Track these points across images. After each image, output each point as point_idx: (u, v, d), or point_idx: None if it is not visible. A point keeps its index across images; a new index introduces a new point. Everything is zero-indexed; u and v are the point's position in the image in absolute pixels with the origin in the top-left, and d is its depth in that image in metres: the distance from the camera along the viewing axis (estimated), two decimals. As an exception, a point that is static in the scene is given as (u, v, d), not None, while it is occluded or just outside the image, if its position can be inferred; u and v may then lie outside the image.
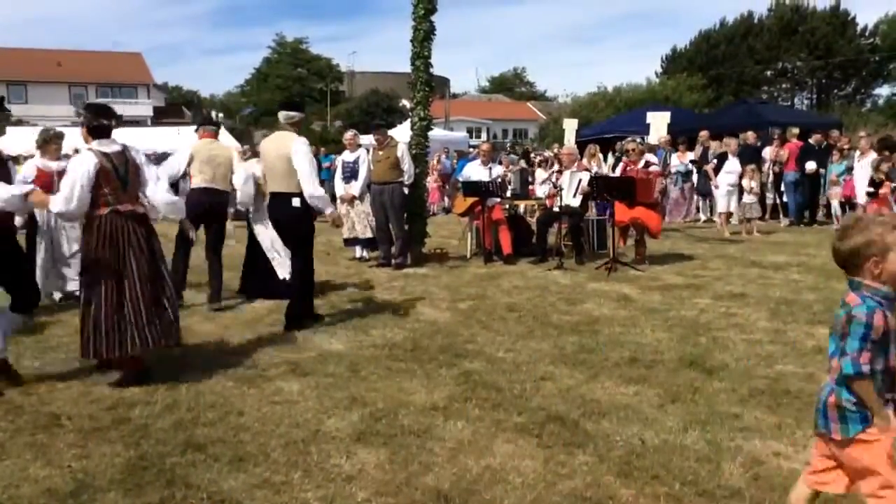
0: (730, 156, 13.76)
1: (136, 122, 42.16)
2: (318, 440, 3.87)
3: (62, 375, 5.04)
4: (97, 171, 4.77)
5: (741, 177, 13.21)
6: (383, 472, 3.47)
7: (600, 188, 9.37)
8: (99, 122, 5.01)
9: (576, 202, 9.61)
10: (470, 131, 49.97)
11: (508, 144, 39.79)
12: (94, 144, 4.92)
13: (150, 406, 4.39)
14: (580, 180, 9.59)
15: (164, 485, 3.35)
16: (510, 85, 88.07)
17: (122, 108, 52.69)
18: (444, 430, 3.95)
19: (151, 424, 4.10)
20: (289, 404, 4.43)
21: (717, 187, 13.90)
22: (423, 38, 9.57)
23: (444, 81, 47.93)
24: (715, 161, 14.26)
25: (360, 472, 3.47)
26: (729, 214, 13.45)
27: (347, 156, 10.32)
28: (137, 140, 24.45)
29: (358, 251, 10.43)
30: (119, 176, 4.89)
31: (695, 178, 15.89)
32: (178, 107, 62.34)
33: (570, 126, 21.14)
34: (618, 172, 10.21)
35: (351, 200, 10.10)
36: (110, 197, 4.83)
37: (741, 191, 13.25)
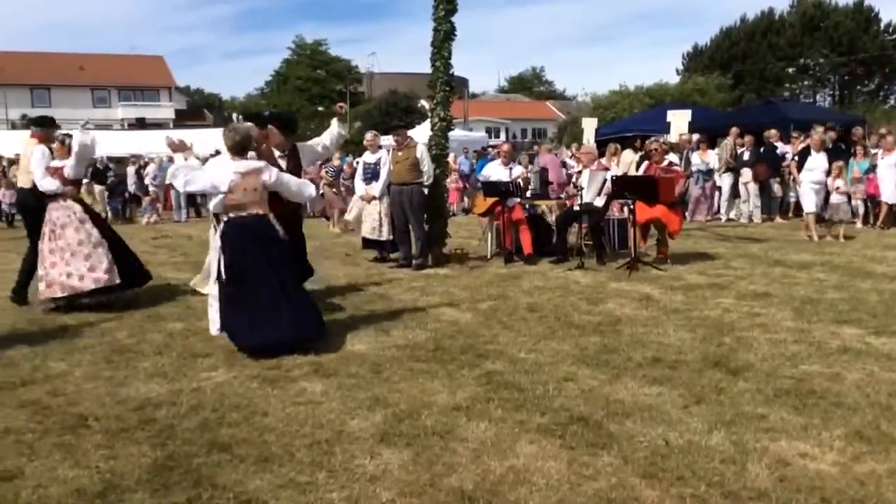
0: (813, 151, 12.50)
1: (158, 125, 42.54)
2: (342, 440, 3.88)
3: (88, 376, 5.10)
4: None
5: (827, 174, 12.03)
6: (407, 472, 3.48)
7: (622, 188, 9.32)
8: None
9: (600, 202, 9.57)
10: (489, 131, 50.02)
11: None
12: None
13: (175, 407, 4.43)
14: (605, 180, 9.55)
15: (191, 485, 3.38)
16: (529, 84, 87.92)
17: (145, 110, 53.48)
18: (467, 431, 3.95)
19: (177, 425, 4.14)
20: (312, 405, 4.45)
21: (798, 185, 13.02)
22: (444, 38, 9.57)
23: (463, 81, 47.93)
24: (796, 158, 13.79)
25: (384, 472, 3.48)
26: (817, 216, 11.98)
27: (368, 157, 10.35)
28: (160, 143, 24.72)
29: (378, 252, 10.46)
30: None
31: (717, 176, 15.80)
32: (199, 109, 62.81)
33: (590, 125, 21.09)
34: (641, 171, 10.16)
35: (370, 201, 10.14)
36: None
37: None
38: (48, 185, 7.44)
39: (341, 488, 3.33)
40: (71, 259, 7.29)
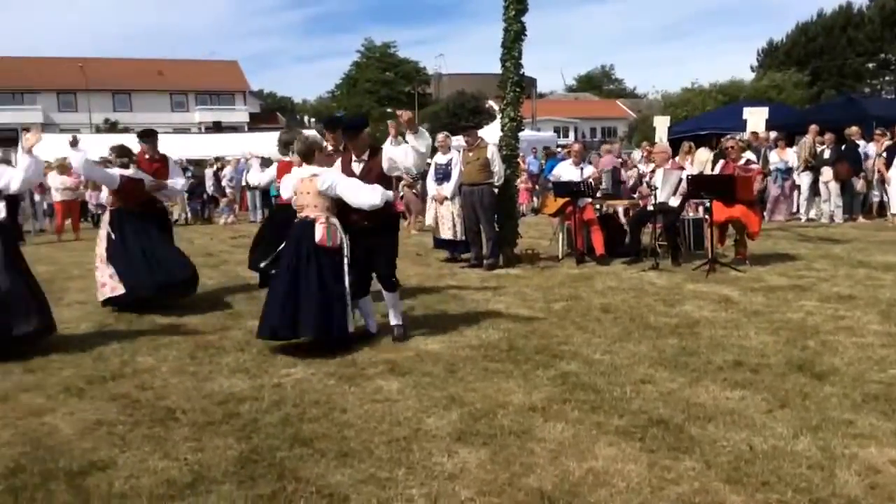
0: None
1: (233, 129, 43.62)
2: (420, 438, 3.92)
3: (174, 371, 5.28)
4: None
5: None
6: (485, 471, 3.49)
7: (698, 187, 9.14)
8: None
9: (675, 201, 9.41)
10: (557, 130, 49.68)
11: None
12: None
13: (258, 402, 4.55)
14: (680, 179, 9.39)
15: (276, 478, 3.46)
16: (598, 83, 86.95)
17: (221, 114, 54.90)
18: (544, 432, 3.95)
19: (260, 419, 4.25)
20: (389, 402, 4.51)
21: (888, 183, 12.47)
22: (514, 38, 9.55)
23: (531, 81, 47.69)
24: (883, 155, 13.24)
25: (462, 470, 3.51)
26: None
27: (440, 158, 10.41)
28: (235, 145, 25.38)
29: (449, 253, 10.51)
30: None
31: (796, 175, 15.34)
32: (272, 113, 64.14)
33: (662, 123, 20.74)
34: (717, 170, 9.95)
35: (442, 201, 10.20)
36: None
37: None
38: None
39: (420, 485, 3.37)
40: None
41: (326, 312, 5.64)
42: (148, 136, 8.25)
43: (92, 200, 18.91)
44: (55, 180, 15.99)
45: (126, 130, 32.14)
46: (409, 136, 5.87)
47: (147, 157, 8.07)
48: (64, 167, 15.75)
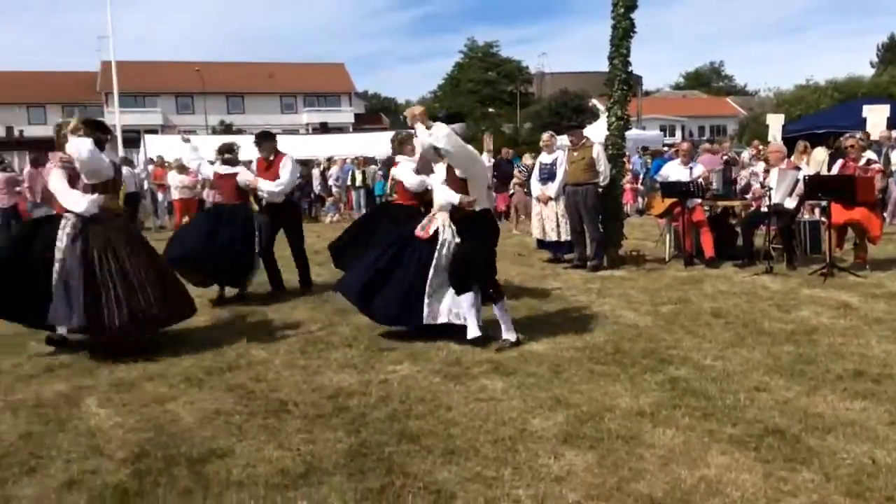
0: None
1: (339, 129, 44.62)
2: (525, 439, 3.92)
3: (286, 365, 5.47)
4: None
5: None
6: (592, 475, 3.46)
7: (816, 188, 8.74)
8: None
9: (790, 203, 9.03)
10: (663, 129, 48.45)
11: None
12: None
13: (365, 397, 4.65)
14: (796, 180, 9.01)
15: (384, 472, 3.54)
16: (707, 80, 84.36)
17: (327, 115, 56.32)
18: (654, 437, 3.87)
19: (368, 414, 4.35)
20: (494, 402, 4.52)
21: None
22: (623, 35, 9.39)
23: (637, 79, 46.74)
24: None
25: (569, 473, 3.48)
26: None
27: (545, 157, 10.35)
28: (341, 146, 26.00)
29: (552, 253, 10.44)
30: None
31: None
32: (377, 113, 65.30)
33: (775, 121, 19.93)
34: (835, 170, 9.49)
35: (546, 202, 10.14)
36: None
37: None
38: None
39: (527, 486, 3.36)
40: None
41: (406, 301, 6.00)
42: (258, 138, 8.58)
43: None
44: (174, 179, 16.75)
45: (239, 132, 33.38)
46: (420, 130, 5.77)
47: (261, 158, 8.40)
48: (182, 167, 16.48)
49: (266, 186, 8.09)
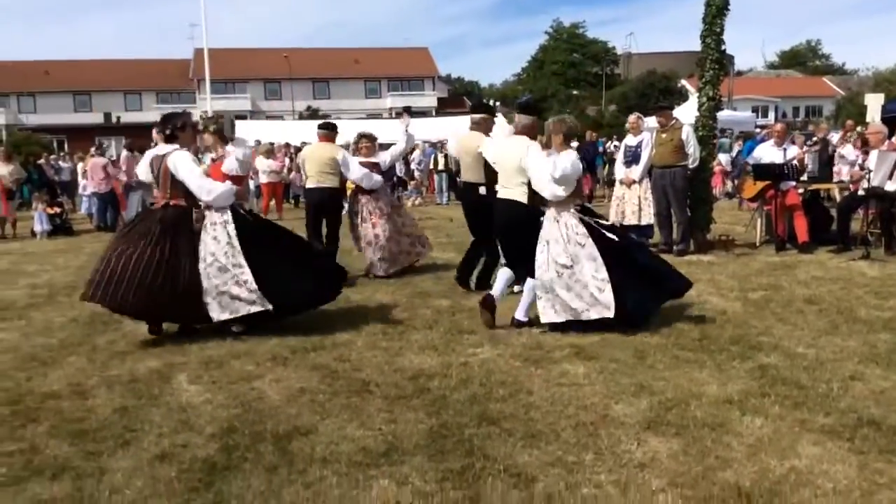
0: None
1: (422, 113, 44.79)
2: (607, 424, 3.87)
3: (368, 346, 5.54)
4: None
5: None
6: (677, 462, 3.38)
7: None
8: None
9: (892, 186, 8.59)
10: (755, 110, 46.80)
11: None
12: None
13: (446, 379, 4.67)
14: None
15: (464, 454, 3.55)
16: (803, 59, 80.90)
17: (410, 99, 56.64)
18: (741, 426, 3.76)
19: (448, 396, 4.37)
20: (575, 387, 4.47)
21: None
22: (716, 13, 9.08)
23: (729, 58, 45.23)
24: None
25: (653, 460, 3.42)
26: None
27: (630, 139, 10.13)
28: (424, 130, 26.09)
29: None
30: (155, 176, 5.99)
31: None
32: (459, 97, 65.23)
33: (875, 101, 19.01)
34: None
35: (630, 184, 9.93)
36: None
37: None
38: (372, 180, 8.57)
39: (609, 472, 3.32)
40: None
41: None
42: (328, 127, 8.80)
43: (296, 182, 20.17)
44: (262, 164, 17.16)
45: (325, 117, 33.96)
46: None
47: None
48: (270, 151, 16.90)
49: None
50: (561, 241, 5.67)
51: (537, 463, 3.43)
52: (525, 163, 5.81)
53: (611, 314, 5.51)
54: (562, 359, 5.05)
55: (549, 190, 5.68)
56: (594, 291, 5.55)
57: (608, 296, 5.51)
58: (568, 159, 5.63)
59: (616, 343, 5.36)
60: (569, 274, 5.61)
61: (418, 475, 3.35)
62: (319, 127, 8.97)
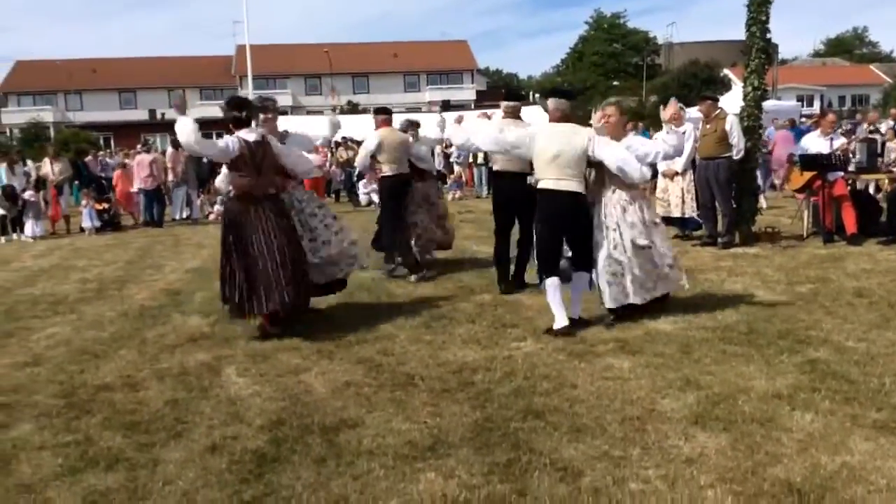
0: None
1: (460, 106, 44.72)
2: (654, 419, 3.84)
3: (412, 339, 5.57)
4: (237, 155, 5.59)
5: None
6: (726, 458, 3.35)
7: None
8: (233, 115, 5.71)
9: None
10: (801, 99, 45.86)
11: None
12: (241, 133, 5.67)
13: (490, 372, 4.68)
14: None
15: (510, 447, 3.56)
16: (849, 46, 79.05)
17: (449, 93, 56.65)
18: (791, 421, 3.71)
19: (493, 389, 4.38)
20: (620, 381, 4.45)
21: None
22: (761, 1, 8.91)
23: (774, 47, 44.39)
24: None
25: (701, 455, 3.39)
26: None
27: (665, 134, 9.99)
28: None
29: (679, 230, 10.11)
30: (255, 162, 5.64)
31: None
32: (497, 90, 65.00)
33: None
34: None
35: (673, 176, 9.82)
36: (245, 180, 5.66)
37: None
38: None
39: (656, 466, 3.30)
40: None
41: None
42: (385, 111, 8.85)
43: (336, 178, 20.31)
44: (305, 159, 17.36)
45: (365, 111, 34.09)
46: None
47: None
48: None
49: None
50: (638, 223, 5.76)
51: (583, 457, 3.42)
52: (597, 152, 5.62)
53: (676, 287, 6.03)
54: (606, 353, 5.03)
55: (640, 173, 5.68)
56: (666, 269, 5.89)
57: (677, 272, 5.97)
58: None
59: (660, 337, 5.32)
60: (646, 255, 5.76)
61: (464, 468, 3.37)
62: (376, 112, 8.82)
